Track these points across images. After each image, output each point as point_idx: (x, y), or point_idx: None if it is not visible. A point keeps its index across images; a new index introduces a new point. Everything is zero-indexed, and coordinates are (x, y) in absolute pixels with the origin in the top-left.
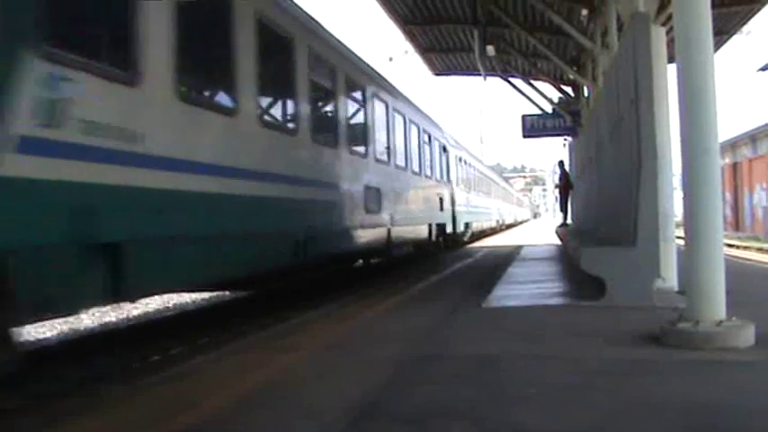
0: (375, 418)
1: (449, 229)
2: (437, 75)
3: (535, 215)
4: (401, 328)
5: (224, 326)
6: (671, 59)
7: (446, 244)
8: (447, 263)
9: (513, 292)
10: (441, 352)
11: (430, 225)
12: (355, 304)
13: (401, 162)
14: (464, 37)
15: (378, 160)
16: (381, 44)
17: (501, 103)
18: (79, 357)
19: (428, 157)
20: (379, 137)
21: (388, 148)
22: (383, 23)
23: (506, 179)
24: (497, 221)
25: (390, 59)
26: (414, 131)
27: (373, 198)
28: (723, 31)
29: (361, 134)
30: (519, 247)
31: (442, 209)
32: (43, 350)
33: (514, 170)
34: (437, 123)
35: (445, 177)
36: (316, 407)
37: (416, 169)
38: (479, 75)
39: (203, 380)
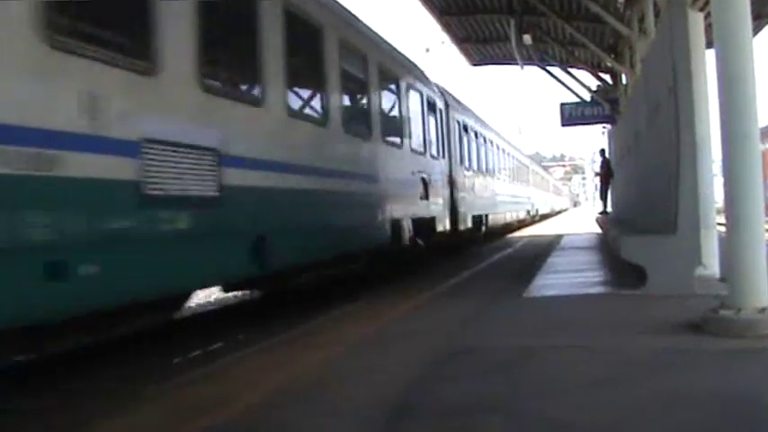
0: (410, 413)
1: (442, 226)
2: (474, 65)
3: (575, 204)
4: (440, 318)
5: (255, 323)
6: (709, 45)
7: (435, 248)
8: (486, 254)
9: (554, 281)
10: (480, 343)
11: (397, 222)
12: (394, 296)
13: (317, 113)
14: (500, 27)
15: (242, 101)
16: (418, 35)
17: (539, 93)
18: (114, 356)
19: (395, 113)
20: (253, 58)
21: (272, 83)
22: (420, 14)
23: (545, 168)
24: (528, 212)
25: (427, 50)
26: (358, 66)
27: (209, 175)
28: (762, 15)
29: (179, 39)
30: (559, 237)
31: (426, 196)
32: (77, 349)
33: (553, 159)
34: (419, 68)
35: (435, 150)
36: (349, 403)
37: (362, 130)
38: (516, 64)
39: (236, 377)
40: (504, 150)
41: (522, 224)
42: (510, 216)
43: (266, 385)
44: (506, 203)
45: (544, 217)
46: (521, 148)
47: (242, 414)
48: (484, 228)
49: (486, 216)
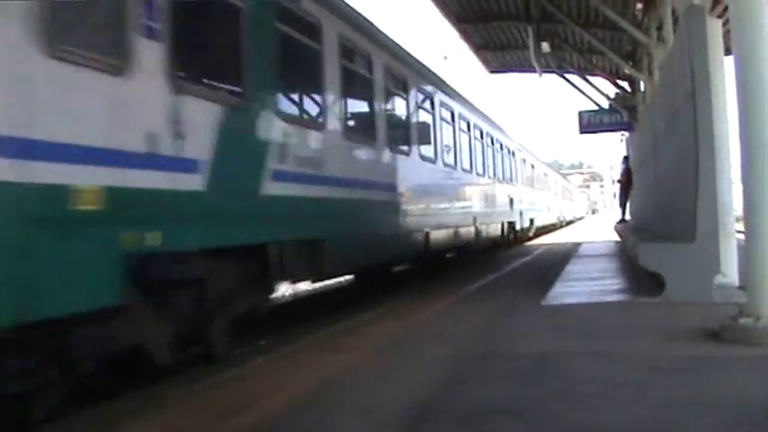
0: (432, 417)
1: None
2: (492, 72)
3: (593, 211)
4: (460, 326)
5: (280, 327)
6: (728, 51)
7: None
8: (503, 262)
9: (572, 289)
10: (500, 350)
11: None
12: (412, 303)
13: None
14: (518, 34)
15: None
16: (437, 42)
17: (557, 100)
18: (137, 358)
19: None
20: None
21: None
22: (438, 22)
23: (564, 175)
24: (512, 227)
25: (445, 58)
26: None
27: None
28: None
29: None
30: (577, 245)
31: None
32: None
33: (572, 167)
34: None
35: None
36: (373, 406)
37: None
38: (534, 71)
39: (262, 381)
40: (449, 109)
41: (497, 243)
42: (451, 235)
43: (293, 388)
44: (437, 211)
45: (543, 231)
46: (547, 162)
47: (270, 415)
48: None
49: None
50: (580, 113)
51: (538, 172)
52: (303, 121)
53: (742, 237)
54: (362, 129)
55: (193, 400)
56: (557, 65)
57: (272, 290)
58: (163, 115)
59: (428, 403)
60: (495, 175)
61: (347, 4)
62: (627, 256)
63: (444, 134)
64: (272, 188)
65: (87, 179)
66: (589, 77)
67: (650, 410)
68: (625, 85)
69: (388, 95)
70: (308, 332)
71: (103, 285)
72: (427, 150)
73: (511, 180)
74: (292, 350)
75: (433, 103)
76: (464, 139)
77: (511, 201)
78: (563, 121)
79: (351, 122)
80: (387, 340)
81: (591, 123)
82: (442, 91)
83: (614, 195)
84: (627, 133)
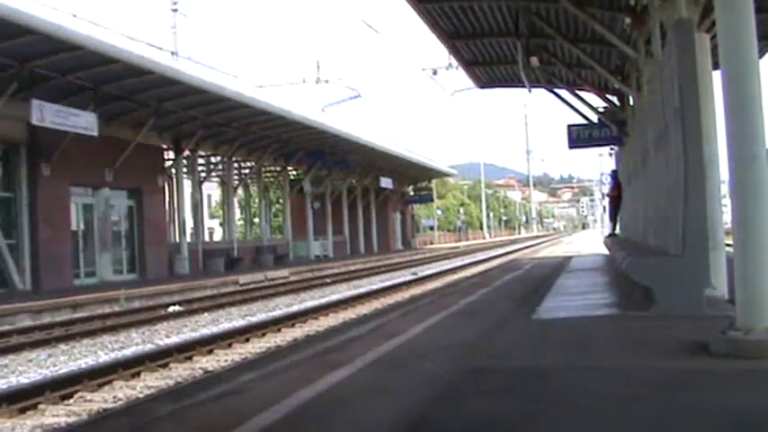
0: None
1: None
2: (482, 87)
3: (583, 226)
4: (453, 340)
5: (269, 343)
6: (716, 66)
7: None
8: (495, 276)
9: (563, 303)
10: (491, 364)
11: None
12: (403, 318)
13: None
14: (507, 49)
15: None
16: (425, 58)
17: (547, 114)
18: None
19: None
20: None
21: None
22: (427, 37)
23: (554, 189)
24: None
25: (435, 73)
26: None
27: None
28: None
29: None
30: (567, 259)
31: None
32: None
33: (561, 180)
34: None
35: None
36: (365, 422)
37: None
38: (524, 86)
39: (252, 397)
40: None
41: None
42: None
43: (286, 403)
44: None
45: None
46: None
47: None
48: None
49: None
50: (569, 128)
51: None
52: None
53: (731, 250)
54: None
55: (184, 419)
56: (546, 79)
57: None
58: None
59: (423, 417)
60: None
61: None
62: (617, 270)
63: None
64: None
65: None
66: (578, 92)
67: (646, 423)
68: (614, 99)
69: None
70: (299, 348)
71: None
72: None
73: None
74: (284, 366)
75: None
76: None
77: None
78: (553, 135)
79: None
80: (379, 356)
81: (580, 138)
82: None
83: (604, 210)
84: (616, 147)
